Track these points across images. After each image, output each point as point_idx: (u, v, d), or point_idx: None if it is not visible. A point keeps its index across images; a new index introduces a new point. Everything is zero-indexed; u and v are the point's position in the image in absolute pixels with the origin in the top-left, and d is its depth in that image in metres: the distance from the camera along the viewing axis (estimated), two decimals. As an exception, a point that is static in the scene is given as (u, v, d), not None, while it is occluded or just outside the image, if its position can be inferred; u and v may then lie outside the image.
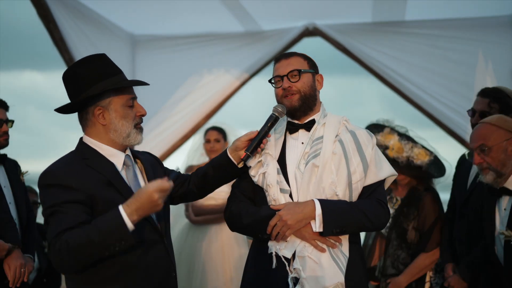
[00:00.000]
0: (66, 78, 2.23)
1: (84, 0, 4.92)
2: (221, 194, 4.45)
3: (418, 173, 3.43)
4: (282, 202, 2.40)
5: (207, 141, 4.68)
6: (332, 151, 2.40)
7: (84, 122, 2.25)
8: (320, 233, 2.34)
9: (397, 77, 5.37)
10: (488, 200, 2.81)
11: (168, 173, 2.51)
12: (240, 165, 2.47)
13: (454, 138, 5.31)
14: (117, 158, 2.24)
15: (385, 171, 2.47)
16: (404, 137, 3.44)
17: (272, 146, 2.50)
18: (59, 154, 4.03)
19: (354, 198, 2.44)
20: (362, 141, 2.45)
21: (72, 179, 2.08)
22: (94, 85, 2.18)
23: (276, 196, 2.41)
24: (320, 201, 2.34)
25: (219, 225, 4.41)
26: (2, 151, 3.48)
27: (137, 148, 5.64)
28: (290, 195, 2.41)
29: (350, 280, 2.35)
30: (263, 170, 2.44)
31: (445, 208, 3.53)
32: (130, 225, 1.96)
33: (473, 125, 3.32)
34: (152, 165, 2.41)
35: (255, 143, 2.41)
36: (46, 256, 3.89)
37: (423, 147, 3.48)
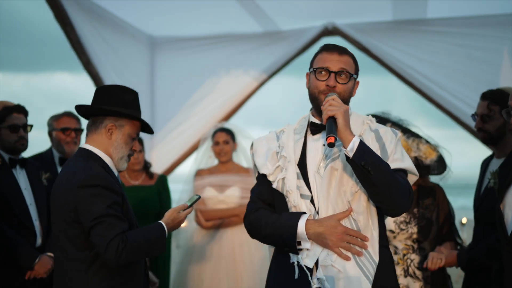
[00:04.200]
0: (102, 90, 2.58)
1: (102, 3, 4.95)
2: (231, 198, 4.40)
3: (427, 172, 3.31)
4: (303, 208, 2.27)
5: (215, 143, 4.51)
6: None
7: (93, 128, 2.53)
8: (349, 160, 2.16)
9: (419, 76, 5.25)
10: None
11: None
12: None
13: (478, 139, 5.16)
14: (113, 167, 2.55)
15: (405, 164, 2.30)
16: (407, 131, 3.31)
17: (291, 149, 2.37)
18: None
19: None
20: (385, 139, 2.31)
21: (113, 183, 2.43)
22: (120, 106, 2.50)
23: (296, 202, 2.29)
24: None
25: (230, 229, 4.34)
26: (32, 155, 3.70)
27: (158, 147, 5.68)
28: (312, 201, 2.28)
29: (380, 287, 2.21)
30: (282, 176, 2.33)
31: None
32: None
33: (477, 130, 3.21)
34: None
35: None
36: None
37: (427, 141, 3.35)
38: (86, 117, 2.62)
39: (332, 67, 2.31)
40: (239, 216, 4.37)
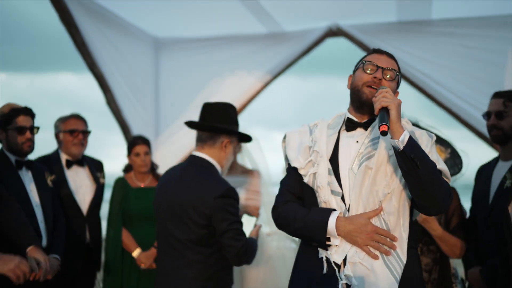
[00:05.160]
0: (215, 108, 3.07)
1: (106, 4, 4.96)
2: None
3: None
4: (333, 205, 2.28)
5: None
6: (387, 153, 2.26)
7: (211, 142, 3.00)
8: (398, 152, 2.15)
9: (423, 77, 5.23)
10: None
11: None
12: None
13: (483, 140, 5.15)
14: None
15: (441, 166, 2.30)
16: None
17: (324, 144, 2.37)
18: (95, 154, 4.12)
19: (409, 203, 2.30)
20: (421, 142, 2.30)
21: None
22: (233, 124, 3.03)
23: (327, 198, 2.29)
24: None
25: None
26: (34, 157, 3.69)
27: (163, 148, 5.68)
28: (342, 198, 2.29)
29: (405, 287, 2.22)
30: (314, 171, 2.33)
31: None
32: None
33: (489, 128, 3.21)
34: None
35: None
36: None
37: (438, 141, 3.34)
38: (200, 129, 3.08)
39: (381, 63, 2.35)
40: (244, 218, 4.38)
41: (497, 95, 3.22)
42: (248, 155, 4.60)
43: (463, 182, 3.55)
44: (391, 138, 2.17)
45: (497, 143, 3.27)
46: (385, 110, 2.17)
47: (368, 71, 2.33)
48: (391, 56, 2.40)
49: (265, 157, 4.55)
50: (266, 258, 4.32)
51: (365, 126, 2.36)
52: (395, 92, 2.40)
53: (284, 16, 5.23)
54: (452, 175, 3.38)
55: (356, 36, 5.32)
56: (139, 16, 5.32)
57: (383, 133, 2.13)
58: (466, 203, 3.46)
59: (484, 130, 5.06)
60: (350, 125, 2.38)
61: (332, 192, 2.29)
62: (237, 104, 5.60)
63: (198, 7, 5.03)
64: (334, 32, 5.40)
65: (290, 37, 5.52)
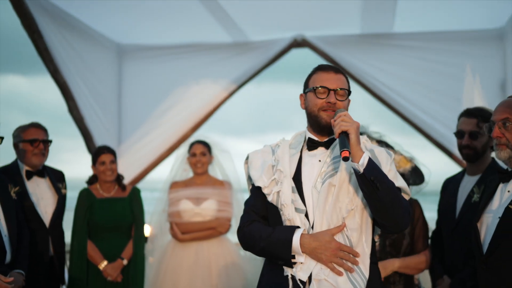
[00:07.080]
0: None
1: (70, 10, 4.85)
2: (208, 211, 4.40)
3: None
4: (297, 222, 2.31)
5: (192, 154, 4.49)
6: (350, 171, 2.31)
7: None
8: (358, 175, 2.20)
9: (384, 89, 5.37)
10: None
11: None
12: None
13: (442, 150, 5.31)
14: None
15: (399, 183, 2.36)
16: (383, 144, 3.38)
17: (287, 163, 2.39)
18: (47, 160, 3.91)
19: (371, 219, 2.35)
20: (381, 159, 2.36)
21: None
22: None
23: (291, 216, 2.32)
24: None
25: (206, 242, 4.33)
26: None
27: (126, 157, 5.58)
28: (306, 215, 2.32)
29: None
30: (277, 189, 2.35)
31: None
32: None
33: (463, 147, 3.25)
34: None
35: None
36: None
37: (401, 153, 3.43)
38: None
39: (331, 85, 2.39)
40: (215, 229, 4.38)
41: (469, 114, 3.25)
42: (219, 166, 4.60)
43: (425, 190, 3.65)
44: (351, 161, 2.23)
45: (467, 161, 3.32)
46: (344, 134, 2.23)
47: (320, 96, 2.38)
48: (337, 71, 2.44)
49: (236, 168, 4.55)
50: (238, 270, 4.32)
51: (326, 145, 2.42)
52: (348, 104, 2.46)
53: (250, 25, 5.25)
54: (417, 184, 3.47)
55: (321, 47, 5.41)
56: (103, 23, 5.22)
57: (345, 159, 2.19)
58: (428, 212, 3.56)
59: (441, 139, 5.24)
60: (311, 145, 2.43)
61: (296, 209, 2.32)
62: (201, 113, 5.61)
63: (163, 14, 4.98)
64: (299, 43, 5.47)
65: (256, 47, 5.54)
